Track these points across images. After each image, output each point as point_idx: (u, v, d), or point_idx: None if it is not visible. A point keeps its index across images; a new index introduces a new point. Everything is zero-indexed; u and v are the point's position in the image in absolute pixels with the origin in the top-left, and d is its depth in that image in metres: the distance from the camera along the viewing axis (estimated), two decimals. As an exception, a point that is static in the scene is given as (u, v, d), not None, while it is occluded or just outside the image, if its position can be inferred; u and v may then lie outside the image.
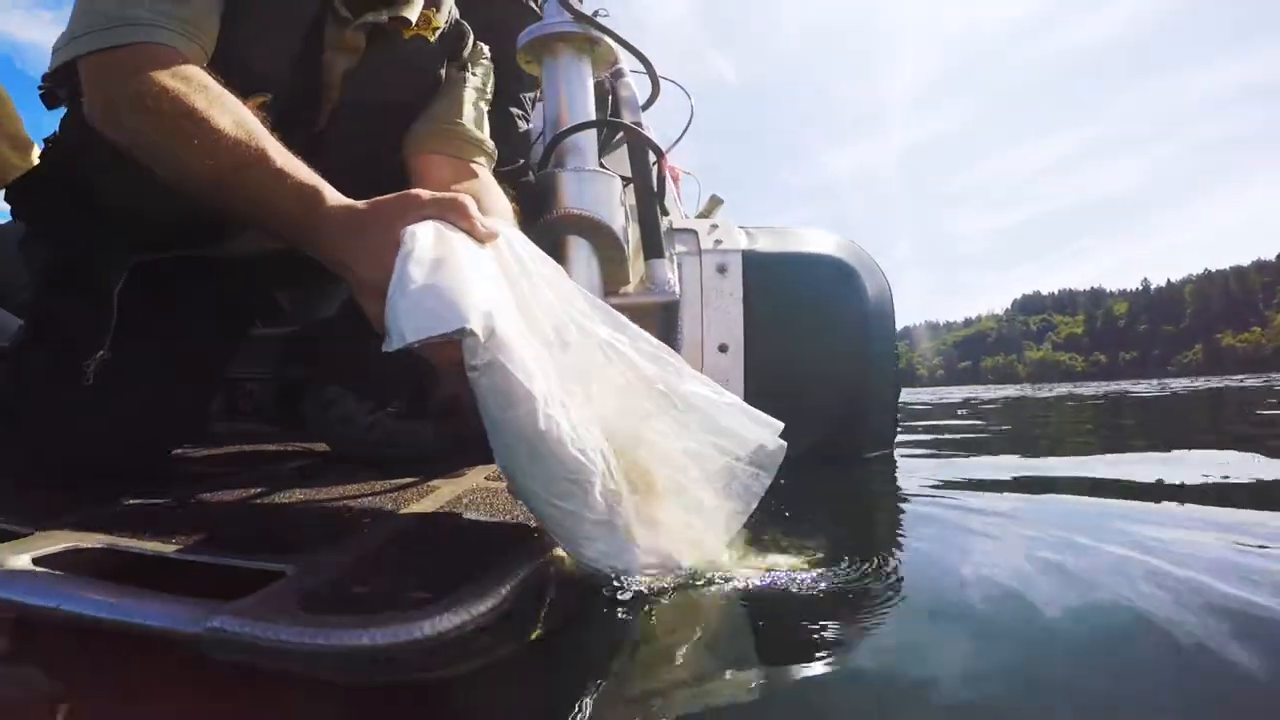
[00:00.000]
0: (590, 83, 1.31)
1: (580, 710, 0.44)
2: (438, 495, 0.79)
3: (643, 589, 0.64)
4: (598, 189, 1.19)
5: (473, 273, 0.61)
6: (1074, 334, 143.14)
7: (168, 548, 0.57)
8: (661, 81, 1.50)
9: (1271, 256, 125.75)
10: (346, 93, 0.94)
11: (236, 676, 0.46)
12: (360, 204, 0.67)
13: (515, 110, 1.64)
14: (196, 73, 0.72)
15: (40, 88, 0.85)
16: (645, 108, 1.45)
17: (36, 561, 0.54)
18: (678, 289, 1.36)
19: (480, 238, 0.67)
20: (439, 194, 0.67)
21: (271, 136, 0.71)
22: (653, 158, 1.35)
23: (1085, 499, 1.18)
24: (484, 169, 1.01)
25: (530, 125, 1.70)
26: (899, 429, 1.97)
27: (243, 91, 0.77)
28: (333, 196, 0.69)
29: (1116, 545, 0.79)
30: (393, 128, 1.00)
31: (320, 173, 0.69)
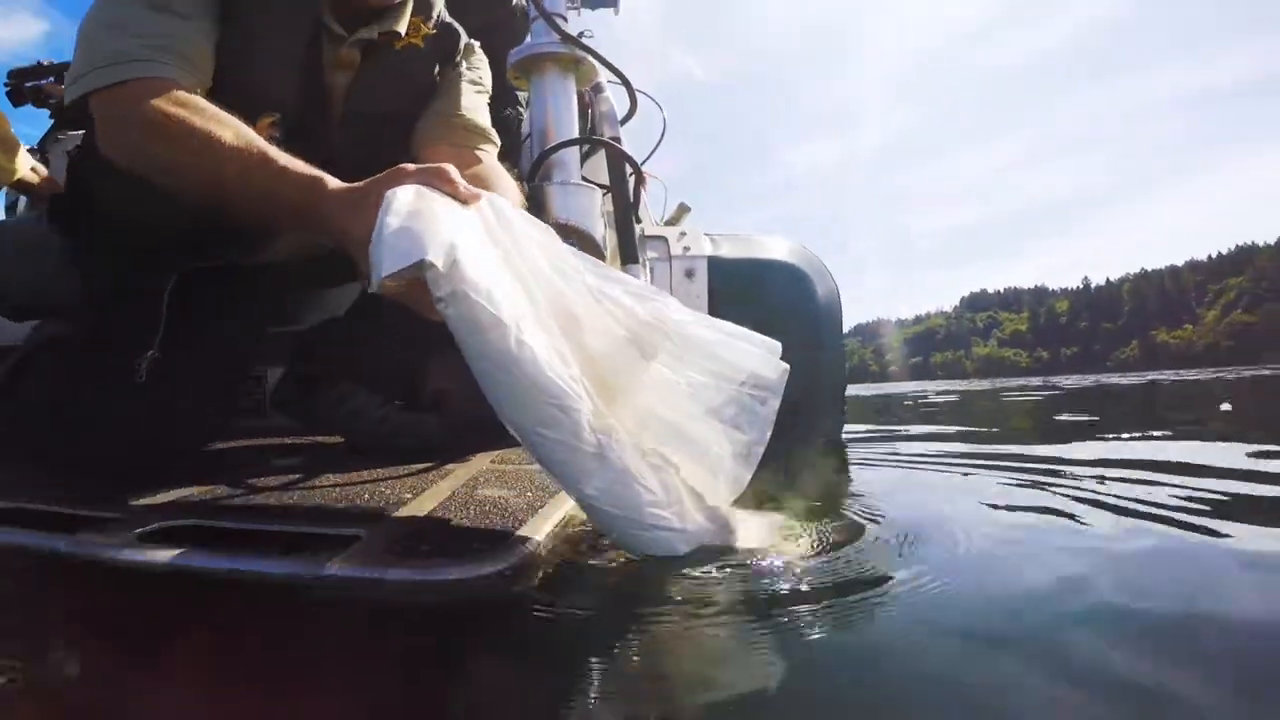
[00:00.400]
0: (575, 100, 1.44)
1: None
2: (454, 476, 0.92)
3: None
4: (581, 201, 1.33)
5: (445, 221, 0.65)
6: (1019, 331, 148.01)
7: (246, 524, 0.69)
8: (638, 96, 1.64)
9: (1203, 256, 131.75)
10: (349, 106, 1.03)
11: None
12: (358, 184, 0.74)
13: (510, 112, 1.76)
14: (192, 97, 0.81)
15: (6, 84, 0.94)
16: (623, 122, 1.59)
17: (141, 538, 0.66)
18: (650, 291, 1.51)
19: (462, 198, 0.72)
20: (425, 165, 0.73)
21: (268, 141, 0.79)
22: (629, 170, 1.49)
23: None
24: (489, 154, 1.08)
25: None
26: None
27: (252, 112, 0.87)
28: (332, 181, 0.76)
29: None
30: (396, 133, 1.08)
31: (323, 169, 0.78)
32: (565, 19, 1.43)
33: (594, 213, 1.34)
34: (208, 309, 0.97)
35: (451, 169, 0.72)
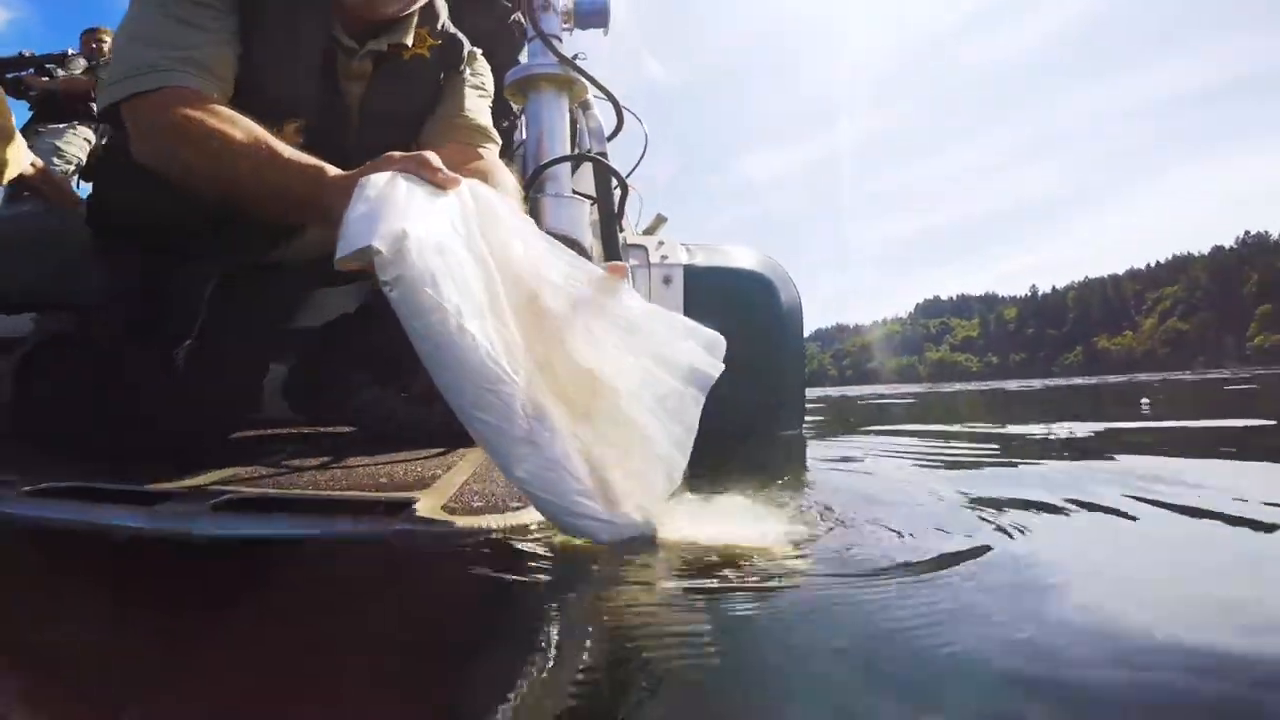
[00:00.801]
0: (567, 118, 1.57)
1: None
2: (470, 459, 1.04)
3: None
4: (573, 212, 1.47)
5: (406, 207, 0.67)
6: (970, 336, 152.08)
7: (308, 492, 0.81)
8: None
9: (1143, 265, 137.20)
10: (364, 113, 1.13)
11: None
12: (352, 171, 0.80)
13: (505, 123, 1.88)
14: (213, 105, 0.90)
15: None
16: (610, 138, 1.72)
17: (215, 508, 0.76)
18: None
19: (440, 183, 0.76)
20: (410, 153, 0.77)
21: (276, 139, 0.87)
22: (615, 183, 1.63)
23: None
24: (491, 152, 1.17)
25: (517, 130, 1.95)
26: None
27: (277, 117, 0.97)
28: (332, 171, 0.83)
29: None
30: (407, 136, 1.16)
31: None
32: (560, 40, 1.57)
33: (583, 223, 1.48)
34: (239, 303, 1.06)
35: (434, 156, 0.77)
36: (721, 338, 0.85)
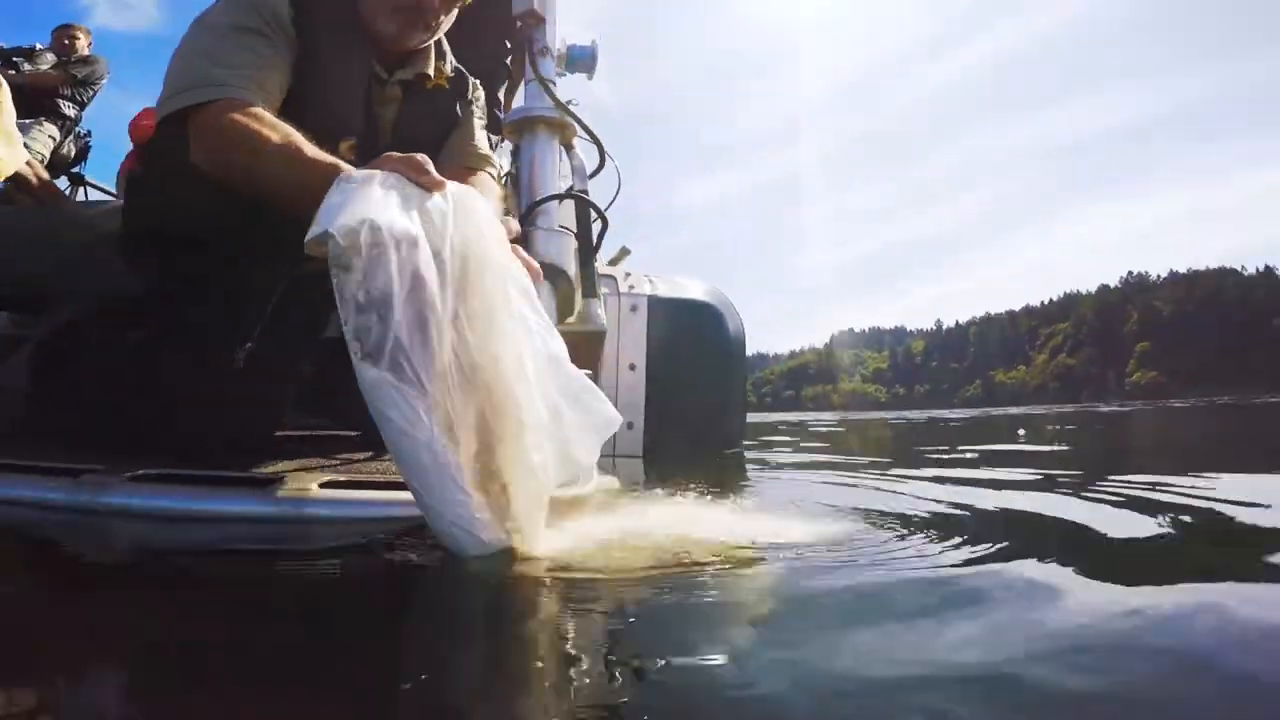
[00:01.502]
0: (558, 157, 1.77)
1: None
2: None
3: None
4: (561, 244, 1.66)
5: (375, 200, 0.72)
6: (880, 368, 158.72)
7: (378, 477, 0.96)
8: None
9: (1037, 303, 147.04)
10: (395, 134, 1.29)
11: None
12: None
13: (494, 138, 2.06)
14: (259, 111, 1.04)
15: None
16: (592, 176, 1.93)
17: (323, 486, 0.90)
18: (605, 322, 1.85)
19: (426, 185, 0.83)
20: (407, 155, 0.86)
21: (305, 139, 0.97)
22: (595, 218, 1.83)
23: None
24: (485, 174, 1.34)
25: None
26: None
27: (334, 136, 1.11)
28: (347, 168, 0.90)
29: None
30: (432, 155, 1.31)
31: None
32: (554, 82, 1.77)
33: (569, 253, 1.67)
34: (294, 310, 1.19)
35: (425, 160, 0.85)
36: (617, 419, 0.92)
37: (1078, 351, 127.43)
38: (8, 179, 1.92)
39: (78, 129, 3.66)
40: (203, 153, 1.05)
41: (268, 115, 1.04)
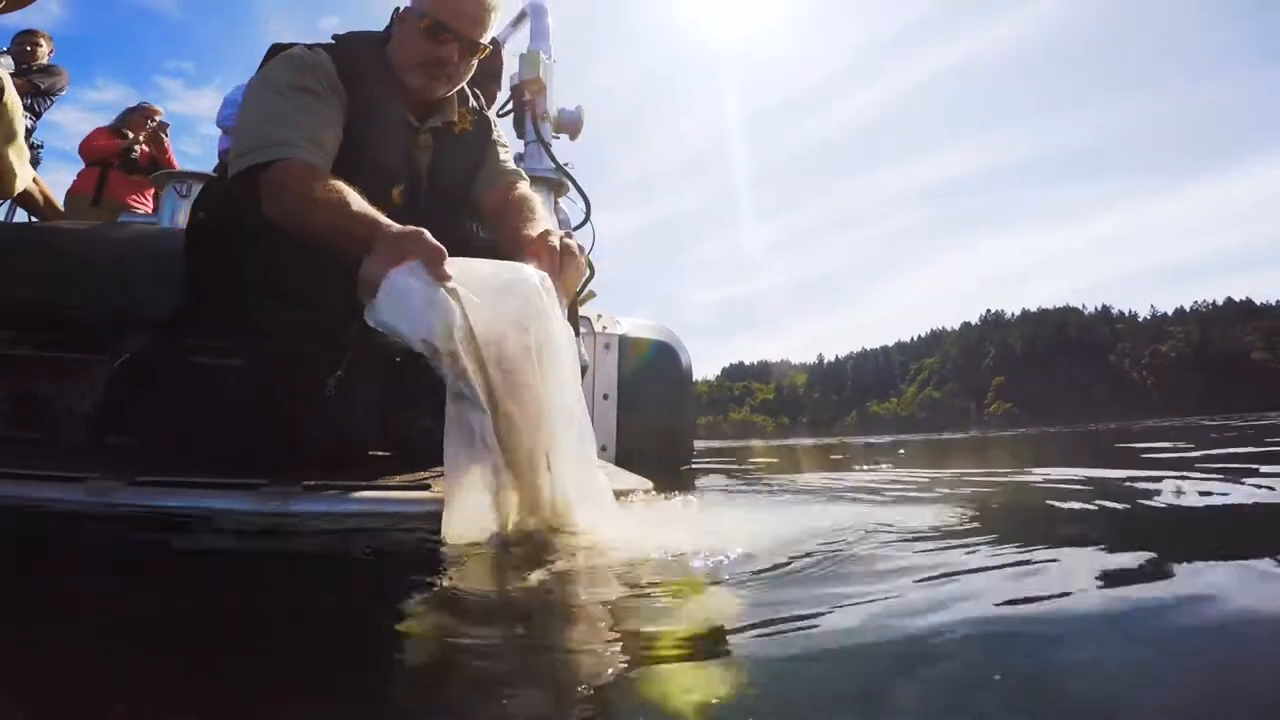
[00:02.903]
0: (553, 211, 2.05)
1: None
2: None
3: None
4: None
5: (434, 305, 0.97)
6: (767, 399, 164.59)
7: None
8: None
9: (908, 338, 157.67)
10: (431, 178, 1.48)
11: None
12: (396, 229, 1.06)
13: None
14: (317, 168, 1.22)
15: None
16: (577, 229, 2.22)
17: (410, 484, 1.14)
18: (588, 359, 2.15)
19: (439, 277, 1.01)
20: (433, 245, 1.02)
21: (354, 193, 1.13)
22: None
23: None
24: (524, 183, 1.54)
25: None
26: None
27: (387, 184, 1.32)
28: (386, 223, 1.07)
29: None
30: (462, 190, 1.53)
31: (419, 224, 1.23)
32: (550, 145, 2.07)
33: (561, 298, 1.97)
34: (370, 344, 1.39)
35: (442, 256, 1.02)
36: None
37: (943, 385, 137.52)
38: (14, 198, 1.96)
39: (31, 140, 3.52)
40: (269, 205, 1.22)
41: (324, 171, 1.23)
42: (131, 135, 4.06)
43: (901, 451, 5.88)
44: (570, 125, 2.17)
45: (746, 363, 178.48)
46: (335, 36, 1.49)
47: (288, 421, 1.30)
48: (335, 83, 1.34)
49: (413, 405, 1.59)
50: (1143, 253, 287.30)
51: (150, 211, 4.26)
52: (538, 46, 2.16)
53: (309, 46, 1.39)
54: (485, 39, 1.44)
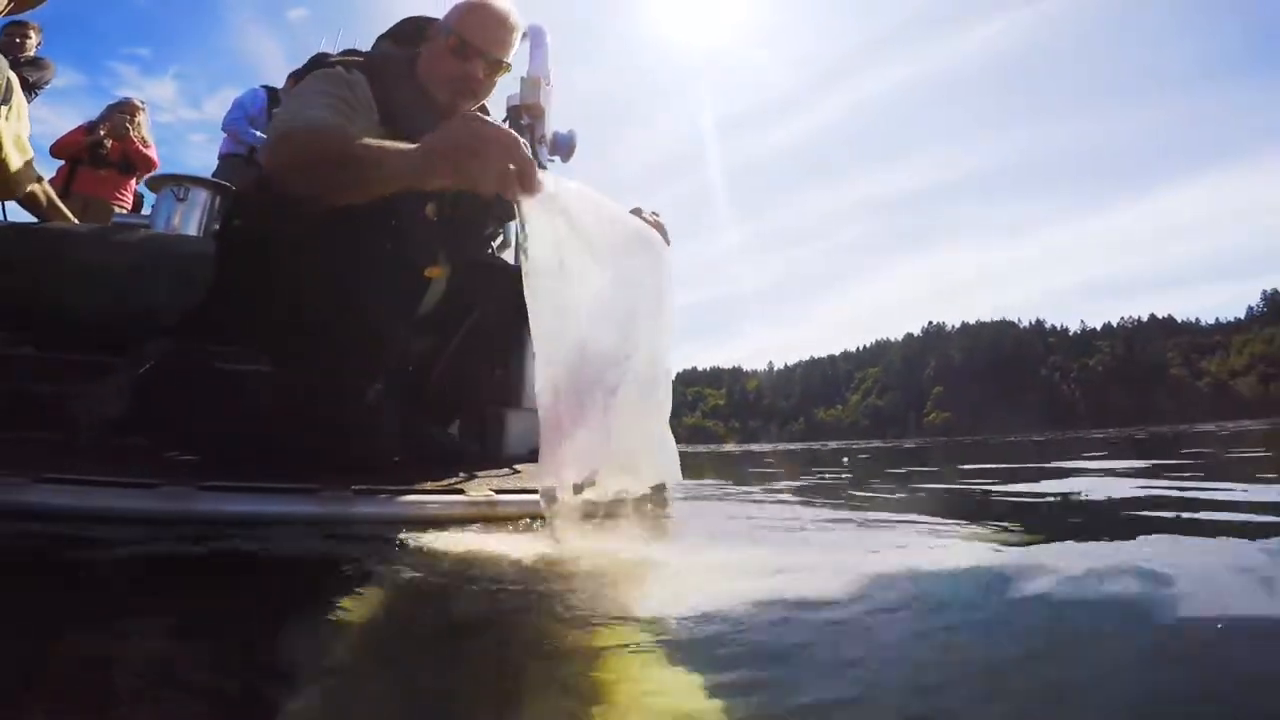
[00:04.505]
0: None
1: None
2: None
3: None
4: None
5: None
6: (719, 405, 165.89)
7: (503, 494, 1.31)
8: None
9: (853, 348, 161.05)
10: (459, 192, 1.44)
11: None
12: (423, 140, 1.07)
13: None
14: (349, 132, 1.18)
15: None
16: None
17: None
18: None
19: (528, 189, 1.03)
20: (518, 154, 1.02)
21: (384, 142, 1.11)
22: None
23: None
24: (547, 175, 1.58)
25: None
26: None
27: (419, 200, 1.38)
28: (410, 147, 1.07)
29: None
30: (489, 207, 1.59)
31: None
32: (547, 167, 2.15)
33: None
34: (406, 355, 1.47)
35: (532, 168, 1.04)
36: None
37: (885, 394, 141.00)
38: (19, 198, 1.89)
39: None
40: (294, 154, 1.19)
41: (351, 133, 1.19)
42: (103, 131, 3.96)
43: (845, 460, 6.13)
44: (564, 149, 2.23)
45: (700, 369, 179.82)
46: (375, 45, 1.57)
47: (326, 427, 1.33)
48: (370, 104, 1.40)
49: (426, 412, 1.68)
50: (1075, 268, 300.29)
51: (130, 209, 4.19)
52: (537, 70, 2.21)
53: (346, 66, 1.44)
54: (508, 58, 1.50)
